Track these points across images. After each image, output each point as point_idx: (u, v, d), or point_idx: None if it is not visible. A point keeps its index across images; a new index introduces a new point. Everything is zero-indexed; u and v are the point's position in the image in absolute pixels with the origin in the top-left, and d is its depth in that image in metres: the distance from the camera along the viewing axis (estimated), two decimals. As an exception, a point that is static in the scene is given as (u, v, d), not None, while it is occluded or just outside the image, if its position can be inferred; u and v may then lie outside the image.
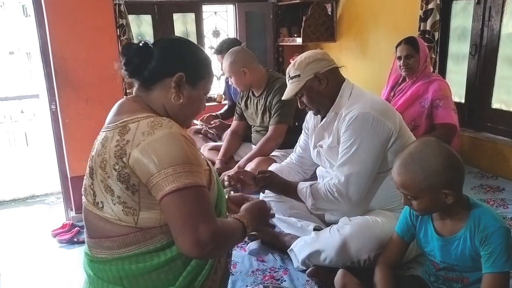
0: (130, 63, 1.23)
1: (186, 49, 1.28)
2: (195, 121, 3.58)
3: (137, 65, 1.23)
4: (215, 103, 4.28)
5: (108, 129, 1.18)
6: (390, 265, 1.47)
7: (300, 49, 4.08)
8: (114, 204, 1.14)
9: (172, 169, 1.06)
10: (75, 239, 3.20)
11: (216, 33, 4.34)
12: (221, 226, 1.10)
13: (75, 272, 2.71)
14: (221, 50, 3.27)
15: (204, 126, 3.48)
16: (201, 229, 1.04)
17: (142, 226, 1.14)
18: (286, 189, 1.92)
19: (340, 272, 1.51)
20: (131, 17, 3.74)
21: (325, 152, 1.91)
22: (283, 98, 1.98)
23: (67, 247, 3.24)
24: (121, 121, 1.17)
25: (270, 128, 2.77)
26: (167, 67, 1.23)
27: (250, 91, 2.93)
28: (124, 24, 3.61)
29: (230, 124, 3.32)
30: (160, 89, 1.24)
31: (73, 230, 3.29)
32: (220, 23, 4.42)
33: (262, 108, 2.85)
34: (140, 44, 1.24)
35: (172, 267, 1.17)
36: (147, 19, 3.96)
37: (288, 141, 2.67)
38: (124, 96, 1.30)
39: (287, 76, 1.92)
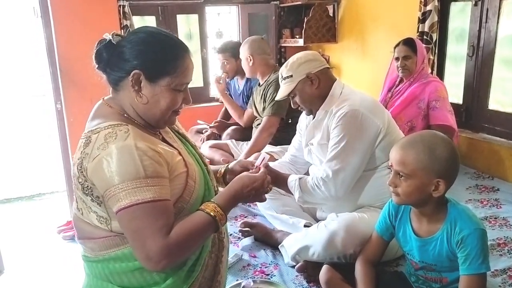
0: (99, 59, 1.19)
1: (147, 42, 1.17)
2: (198, 121, 3.62)
3: (105, 63, 1.18)
4: (217, 104, 4.31)
5: (82, 137, 1.17)
6: (369, 261, 1.49)
7: (302, 50, 4.10)
8: (89, 213, 1.16)
9: (120, 186, 1.04)
10: (79, 236, 3.27)
11: (219, 35, 4.38)
12: (174, 237, 1.06)
13: (79, 267, 2.77)
14: (223, 50, 3.32)
15: (206, 125, 3.51)
16: (149, 245, 1.04)
17: (117, 232, 1.14)
18: (278, 180, 1.94)
19: (324, 268, 1.55)
20: (135, 18, 3.81)
21: (315, 149, 1.95)
22: (276, 98, 2.02)
23: (71, 243, 3.30)
24: (89, 129, 1.15)
25: (263, 119, 2.84)
26: (123, 64, 1.16)
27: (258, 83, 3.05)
28: (128, 25, 3.68)
29: (231, 124, 3.36)
30: (124, 89, 1.19)
31: (76, 227, 3.35)
32: (223, 25, 4.47)
33: (261, 99, 2.93)
34: (107, 40, 1.18)
35: None
36: (151, 20, 4.01)
37: (284, 137, 2.73)
38: (102, 99, 1.24)
39: (280, 77, 1.96)
